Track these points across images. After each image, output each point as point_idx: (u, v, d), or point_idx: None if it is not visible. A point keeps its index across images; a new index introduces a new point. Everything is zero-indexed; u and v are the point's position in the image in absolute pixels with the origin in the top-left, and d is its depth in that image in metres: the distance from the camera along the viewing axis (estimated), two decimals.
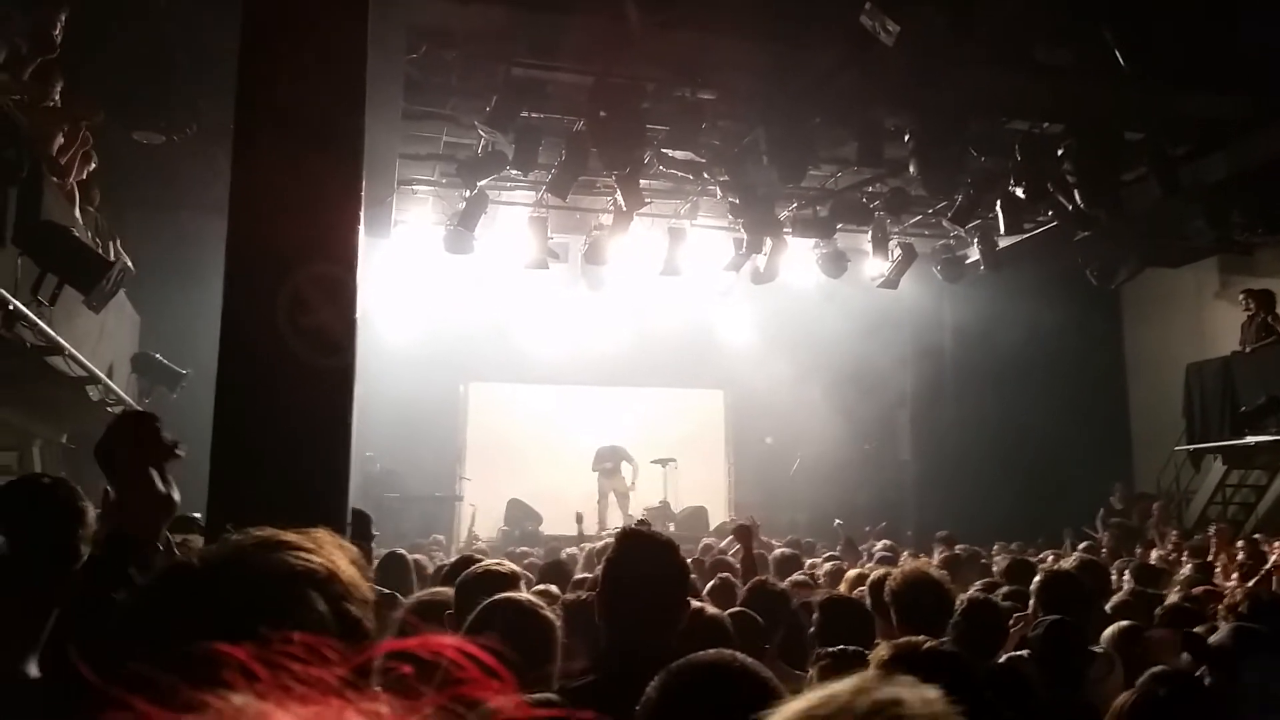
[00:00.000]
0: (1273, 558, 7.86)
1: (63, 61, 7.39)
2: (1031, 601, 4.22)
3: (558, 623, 2.74)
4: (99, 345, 8.69)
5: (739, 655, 1.58)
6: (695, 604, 3.10)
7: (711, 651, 1.65)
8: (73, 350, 7.28)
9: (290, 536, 1.01)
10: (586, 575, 4.75)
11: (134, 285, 8.86)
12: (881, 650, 2.30)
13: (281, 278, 3.11)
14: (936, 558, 7.41)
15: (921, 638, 2.32)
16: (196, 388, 9.69)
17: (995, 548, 10.41)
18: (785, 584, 5.48)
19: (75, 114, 7.78)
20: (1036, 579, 4.38)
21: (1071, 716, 3.16)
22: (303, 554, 0.99)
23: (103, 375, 8.55)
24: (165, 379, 10.13)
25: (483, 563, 3.27)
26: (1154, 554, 9.19)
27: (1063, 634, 3.39)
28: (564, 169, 10.51)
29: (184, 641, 0.89)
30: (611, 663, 2.45)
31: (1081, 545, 9.57)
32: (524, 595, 2.93)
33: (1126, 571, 6.84)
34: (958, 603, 3.64)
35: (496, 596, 2.75)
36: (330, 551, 1.01)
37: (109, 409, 9.40)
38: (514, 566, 3.15)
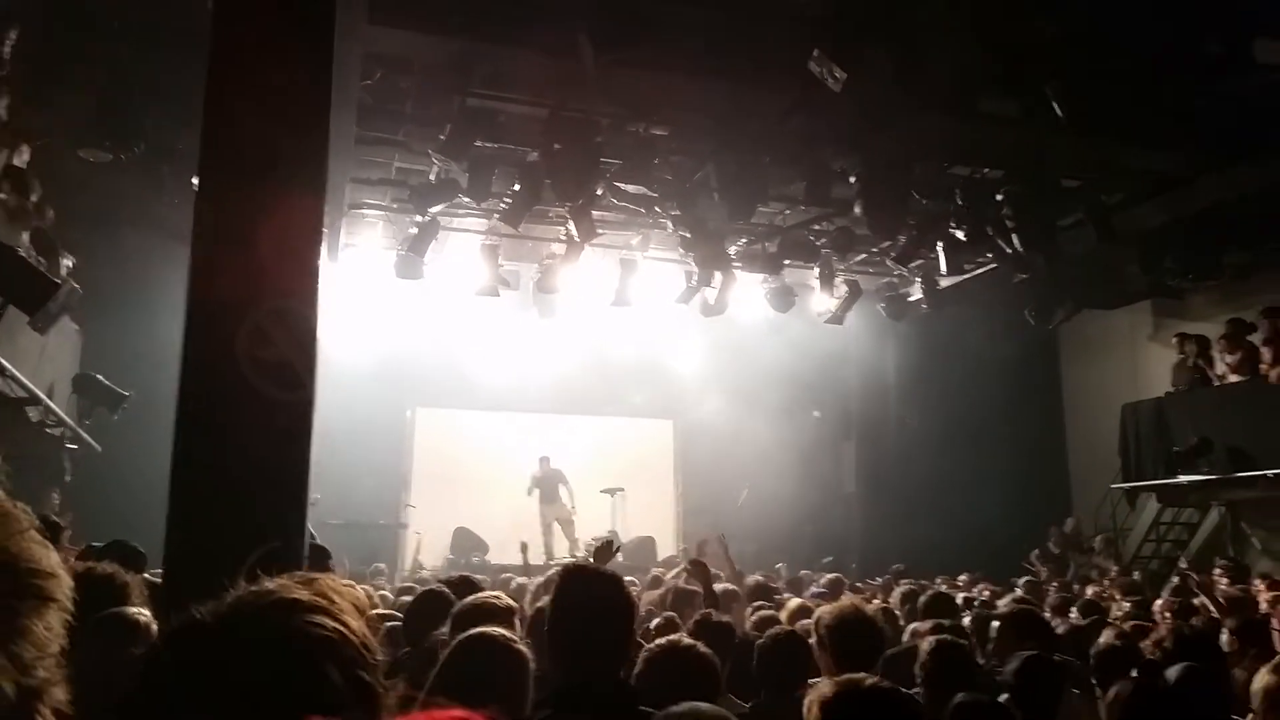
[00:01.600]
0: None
1: (10, 79, 7.32)
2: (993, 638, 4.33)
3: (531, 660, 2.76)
4: (40, 365, 8.56)
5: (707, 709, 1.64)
6: (676, 638, 3.17)
7: (686, 706, 1.69)
8: (13, 370, 7.16)
9: (303, 594, 0.98)
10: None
11: (76, 303, 8.74)
12: (824, 687, 2.37)
13: (243, 309, 3.15)
14: (897, 594, 7.52)
15: (862, 675, 2.40)
16: (145, 410, 9.55)
17: (938, 580, 10.59)
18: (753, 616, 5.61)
19: (23, 132, 7.70)
20: (998, 619, 4.50)
21: None
22: (318, 618, 0.96)
23: (43, 396, 8.41)
24: (106, 400, 9.98)
25: (481, 594, 3.28)
26: (1089, 590, 9.41)
27: (1039, 670, 3.47)
28: (518, 199, 10.56)
29: (197, 709, 0.91)
30: (565, 697, 2.51)
31: (1023, 581, 9.78)
32: (498, 631, 2.91)
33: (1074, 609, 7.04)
34: (925, 645, 3.73)
35: (473, 632, 2.79)
36: (342, 607, 0.99)
37: (48, 430, 9.24)
38: (510, 600, 3.16)
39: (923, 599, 7.12)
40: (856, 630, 3.54)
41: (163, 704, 0.92)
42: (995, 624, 4.93)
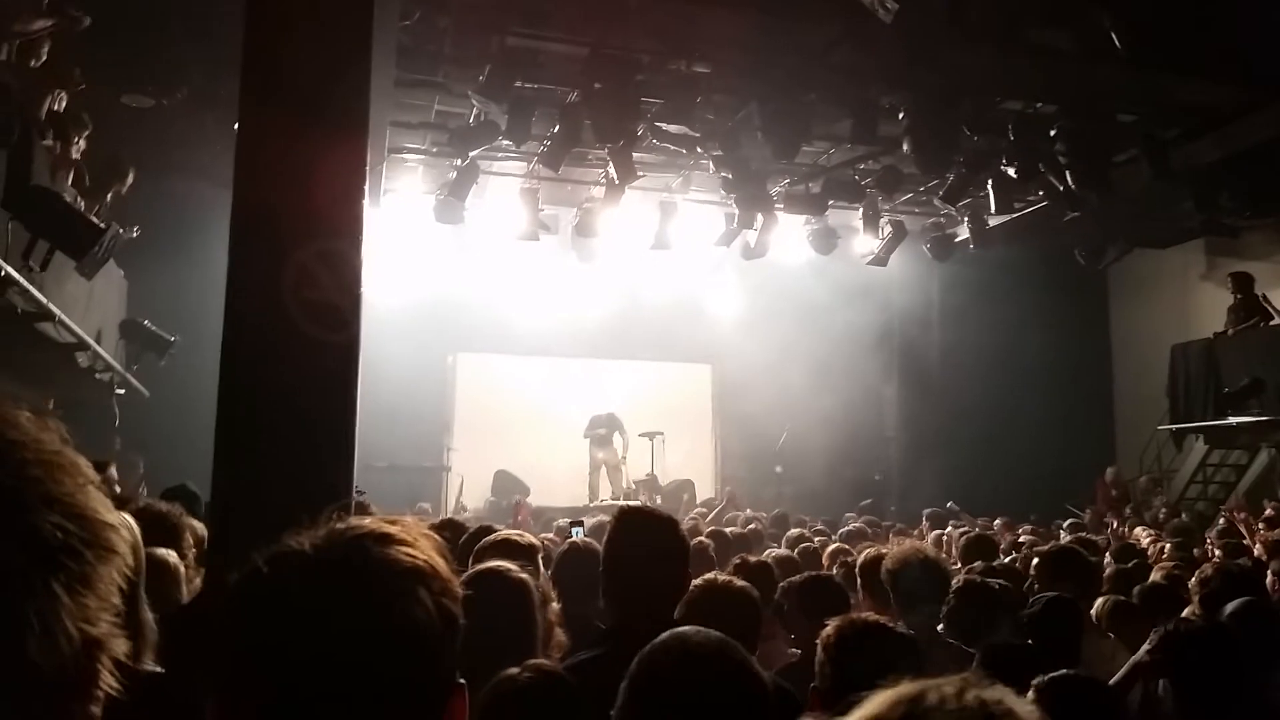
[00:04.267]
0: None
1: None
2: (1032, 579, 4.28)
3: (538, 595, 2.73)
4: (88, 311, 8.65)
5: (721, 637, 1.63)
6: (722, 577, 3.16)
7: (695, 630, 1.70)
8: (62, 316, 7.24)
9: (392, 529, 1.03)
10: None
11: (122, 249, 8.80)
12: (827, 629, 2.39)
13: (287, 250, 3.11)
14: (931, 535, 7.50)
15: (868, 614, 2.42)
16: (192, 356, 9.68)
17: (981, 523, 10.53)
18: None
19: (65, 76, 7.69)
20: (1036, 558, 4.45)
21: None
22: (408, 549, 1.01)
23: (91, 341, 8.51)
24: (153, 345, 10.10)
25: (501, 532, 3.27)
26: (1138, 531, 9.28)
27: (1062, 612, 3.43)
28: (557, 141, 10.46)
29: (300, 629, 0.95)
30: (615, 639, 2.50)
31: (1067, 524, 9.68)
32: (506, 565, 2.86)
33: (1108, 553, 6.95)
34: (953, 583, 3.69)
35: (481, 568, 2.75)
36: (426, 546, 1.04)
37: (97, 375, 9.38)
38: (532, 538, 3.15)
39: (962, 540, 7.09)
40: (921, 573, 3.49)
41: (261, 625, 0.97)
42: (1035, 563, 4.88)
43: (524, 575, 2.65)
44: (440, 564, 1.03)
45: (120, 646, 0.79)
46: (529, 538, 3.35)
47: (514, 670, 2.19)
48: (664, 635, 1.73)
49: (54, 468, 0.77)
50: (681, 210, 13.13)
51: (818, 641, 2.41)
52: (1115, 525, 10.38)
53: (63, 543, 0.73)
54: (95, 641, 0.76)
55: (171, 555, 2.92)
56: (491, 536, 3.28)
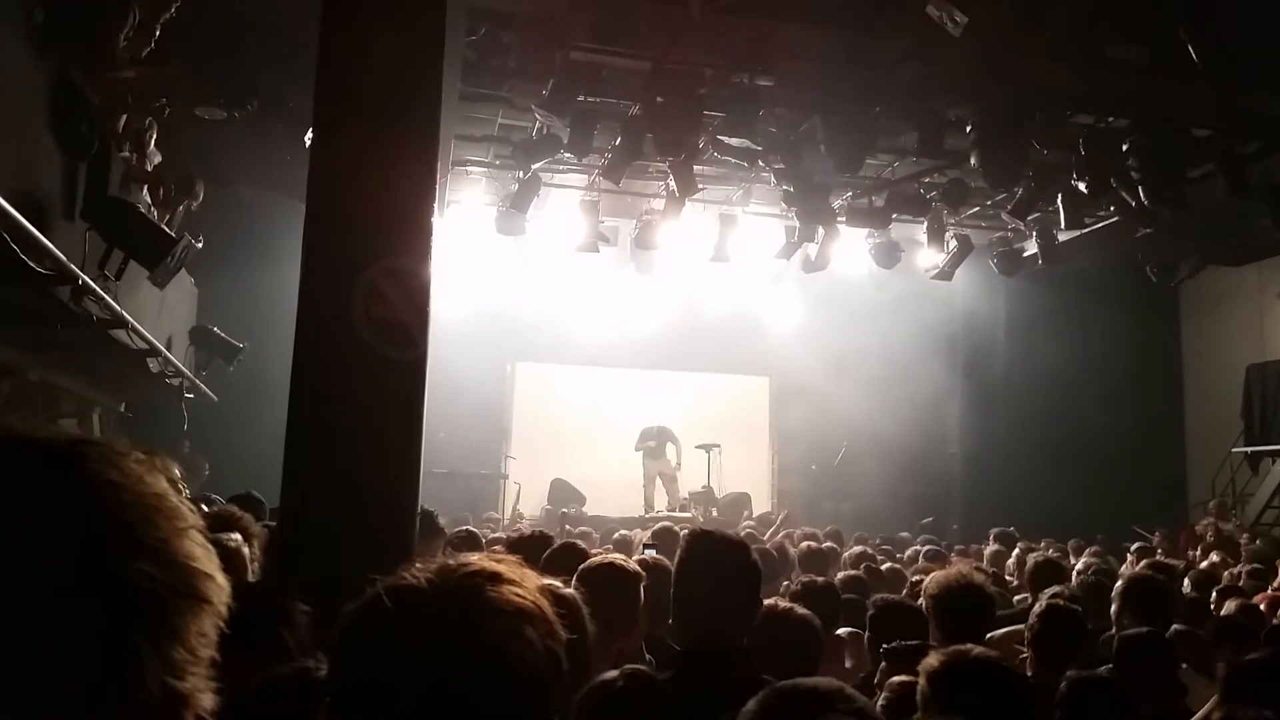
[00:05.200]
0: None
1: (128, 39, 7.47)
2: (1114, 607, 4.15)
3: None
4: (159, 318, 8.85)
5: (842, 686, 1.57)
6: (783, 604, 3.12)
7: (821, 680, 1.65)
8: (135, 323, 7.40)
9: (500, 567, 1.06)
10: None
11: (192, 258, 8.99)
12: (932, 658, 2.32)
13: (358, 266, 3.14)
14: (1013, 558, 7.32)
15: (969, 646, 2.33)
16: (259, 362, 9.87)
17: (1043, 544, 10.28)
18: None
19: (142, 91, 7.88)
20: (1119, 584, 4.31)
21: None
22: (518, 589, 1.04)
23: (162, 348, 8.70)
24: (222, 352, 10.30)
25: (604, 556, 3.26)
26: (1212, 556, 8.98)
27: (1154, 647, 3.30)
28: (618, 154, 10.48)
29: (414, 665, 0.96)
30: (686, 662, 2.47)
31: (1135, 547, 9.41)
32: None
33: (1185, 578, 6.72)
34: (1036, 607, 3.58)
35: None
36: (531, 585, 1.06)
37: (167, 380, 9.59)
38: (637, 566, 3.14)
39: (1030, 564, 6.91)
40: (964, 599, 3.39)
41: (377, 659, 0.99)
42: (1117, 587, 4.72)
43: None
44: (545, 604, 1.05)
45: (207, 701, 0.75)
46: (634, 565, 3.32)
47: (611, 674, 2.18)
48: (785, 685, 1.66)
49: (152, 511, 0.74)
50: (741, 223, 13.08)
51: (919, 668, 2.34)
52: (1197, 555, 10.04)
53: (149, 591, 0.70)
54: (179, 697, 0.73)
55: (235, 537, 2.95)
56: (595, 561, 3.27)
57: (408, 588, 1.02)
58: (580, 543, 3.85)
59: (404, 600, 1.01)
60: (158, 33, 6.96)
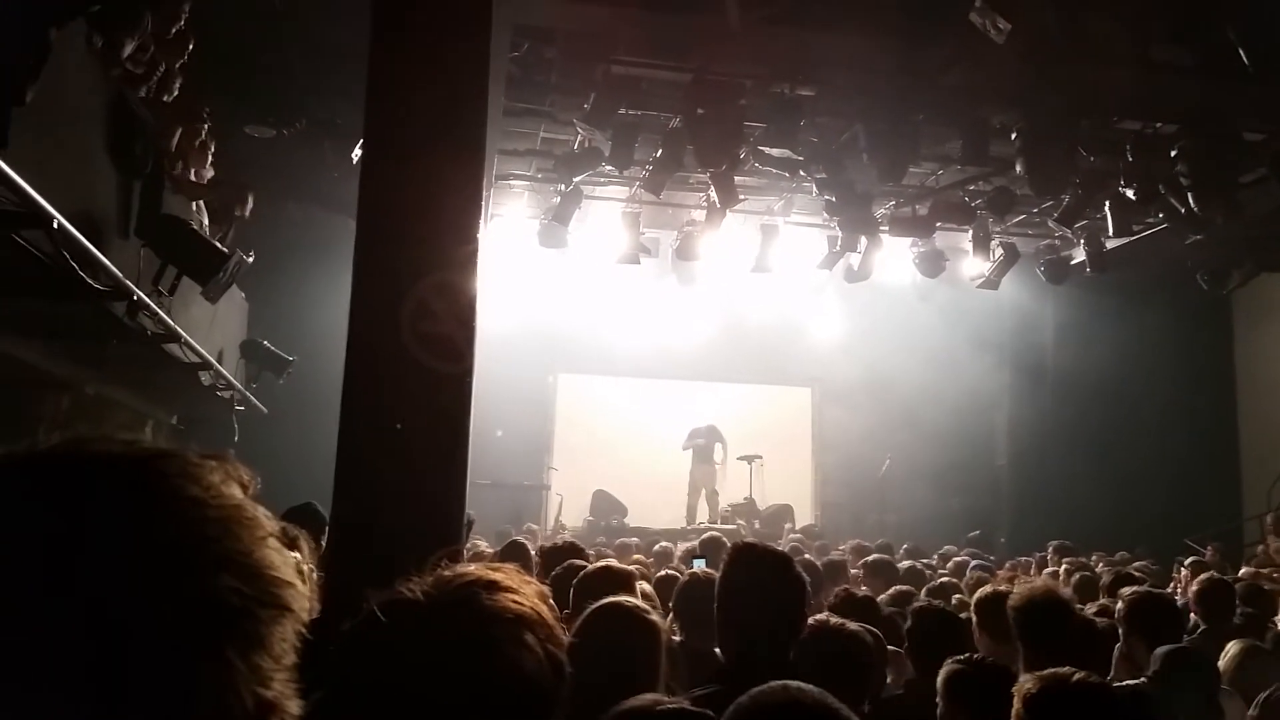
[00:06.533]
0: None
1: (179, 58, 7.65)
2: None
3: (664, 629, 2.68)
4: (211, 332, 9.01)
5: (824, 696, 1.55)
6: (834, 620, 3.09)
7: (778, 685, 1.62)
8: (188, 338, 7.55)
9: (498, 576, 1.06)
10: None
11: (243, 273, 9.16)
12: (1028, 682, 2.25)
13: (407, 281, 3.18)
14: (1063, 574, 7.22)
15: (1069, 669, 2.25)
16: (309, 375, 10.00)
17: (1094, 558, 10.12)
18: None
19: (193, 111, 8.07)
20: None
21: None
22: (516, 596, 1.05)
23: (214, 361, 8.85)
24: (272, 365, 10.46)
25: (601, 563, 3.27)
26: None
27: (1196, 662, 3.24)
28: (659, 166, 10.52)
29: (415, 676, 0.97)
30: (731, 677, 2.46)
31: (1189, 561, 9.22)
32: (630, 601, 2.85)
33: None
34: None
35: (604, 602, 2.71)
36: (530, 593, 1.07)
37: (219, 393, 9.76)
38: (628, 568, 3.15)
39: (1075, 579, 6.81)
40: (1048, 614, 3.32)
41: (377, 672, 1.00)
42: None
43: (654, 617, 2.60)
44: (545, 611, 1.07)
45: (293, 707, 0.77)
46: (625, 567, 3.33)
47: (646, 699, 2.10)
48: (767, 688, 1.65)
49: (233, 523, 0.75)
50: (783, 233, 13.05)
51: (1013, 691, 2.26)
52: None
53: (238, 605, 0.72)
54: (269, 705, 0.74)
55: (296, 557, 2.99)
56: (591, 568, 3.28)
57: (404, 601, 1.03)
58: (614, 562, 3.74)
59: (401, 614, 1.02)
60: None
